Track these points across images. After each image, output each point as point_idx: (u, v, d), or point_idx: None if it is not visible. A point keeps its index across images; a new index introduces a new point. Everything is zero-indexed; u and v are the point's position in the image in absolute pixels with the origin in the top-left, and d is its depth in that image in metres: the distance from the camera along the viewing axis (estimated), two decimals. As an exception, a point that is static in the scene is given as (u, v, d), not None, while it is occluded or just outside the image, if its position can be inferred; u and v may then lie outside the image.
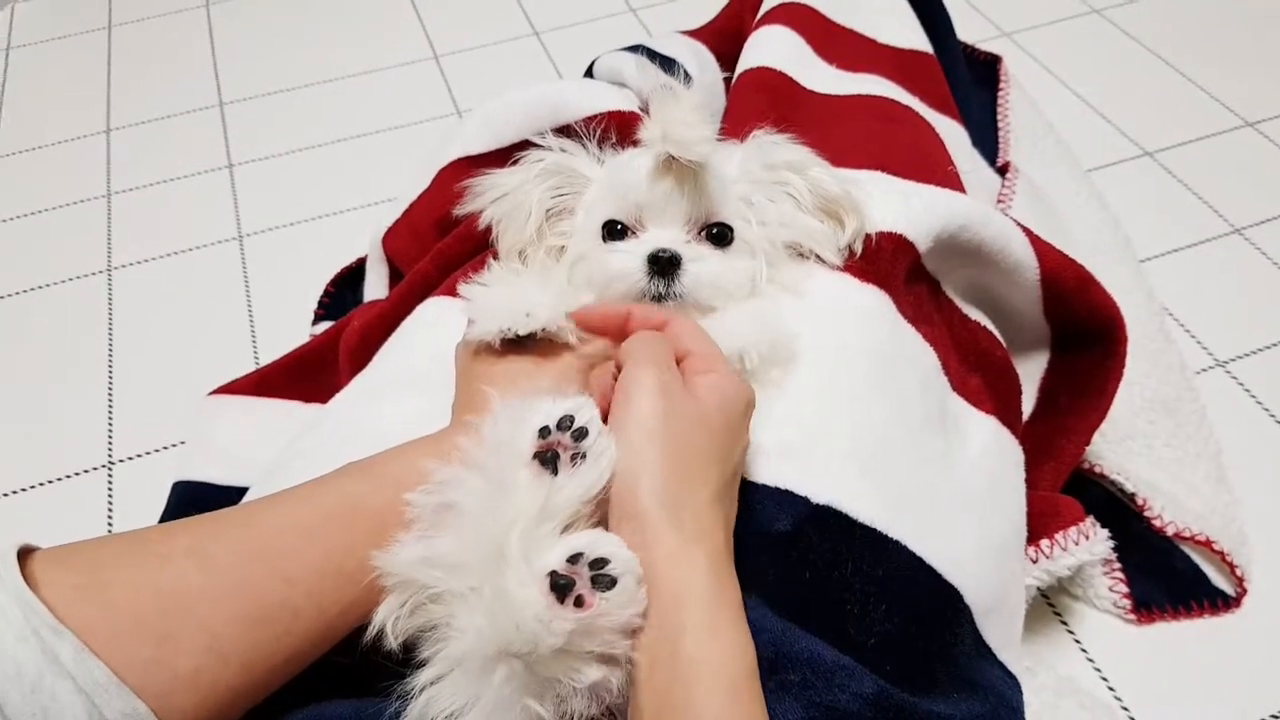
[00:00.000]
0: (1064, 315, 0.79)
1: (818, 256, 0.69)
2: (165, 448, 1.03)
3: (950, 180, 0.86)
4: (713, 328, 0.63)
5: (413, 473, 0.52)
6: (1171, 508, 0.86)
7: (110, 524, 0.96)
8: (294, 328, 1.13)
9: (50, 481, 1.00)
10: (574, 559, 0.46)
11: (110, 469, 1.02)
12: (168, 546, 0.48)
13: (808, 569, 0.57)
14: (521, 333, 0.58)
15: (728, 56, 1.12)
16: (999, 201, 1.12)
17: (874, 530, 0.58)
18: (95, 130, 1.44)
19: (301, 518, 0.52)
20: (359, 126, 1.42)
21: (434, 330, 0.76)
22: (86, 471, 1.01)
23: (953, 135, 1.04)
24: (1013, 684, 0.64)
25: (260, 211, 1.30)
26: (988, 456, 0.69)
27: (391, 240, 0.97)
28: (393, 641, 0.50)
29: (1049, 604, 0.85)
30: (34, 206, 1.32)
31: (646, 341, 0.57)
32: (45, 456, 1.03)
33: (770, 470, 0.60)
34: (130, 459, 1.02)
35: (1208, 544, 0.85)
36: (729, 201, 0.66)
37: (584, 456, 0.50)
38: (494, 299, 0.60)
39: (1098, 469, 0.88)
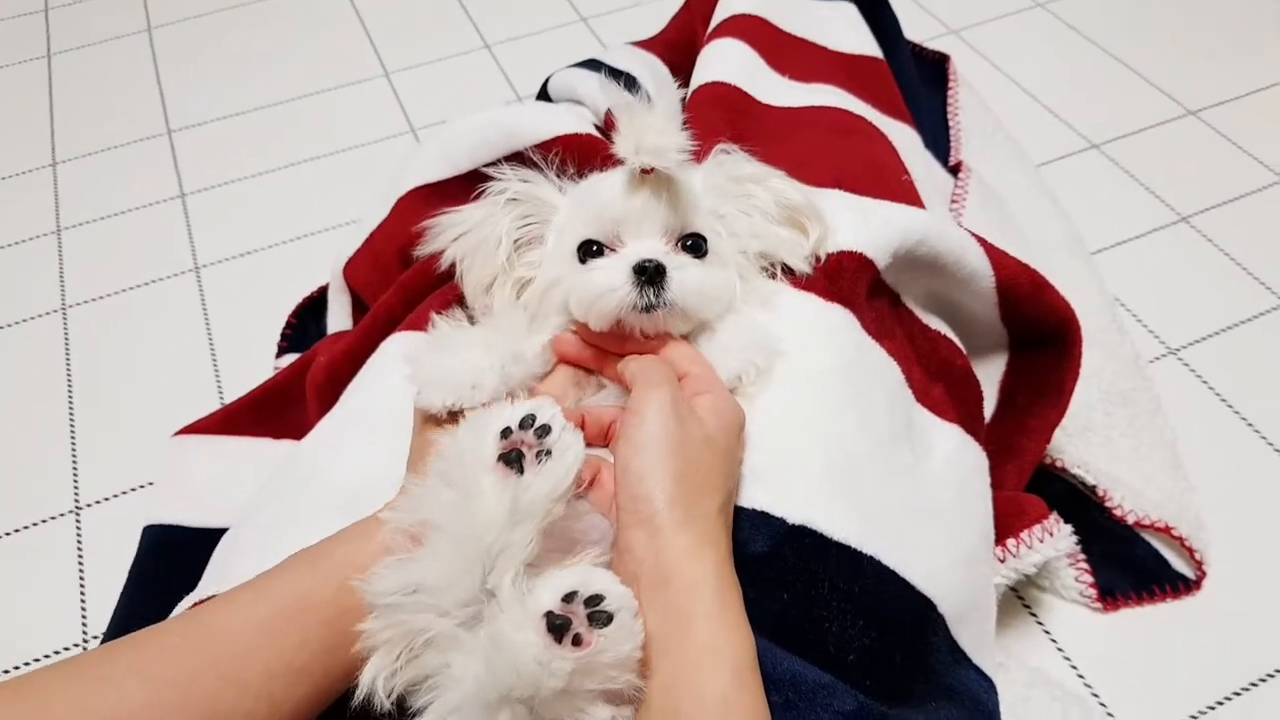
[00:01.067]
0: (1020, 319, 0.81)
1: (785, 267, 0.70)
2: (134, 489, 1.02)
3: (905, 190, 0.88)
4: (706, 347, 0.64)
5: (361, 557, 0.53)
6: (1131, 497, 0.89)
7: (82, 570, 0.95)
8: (258, 359, 1.12)
9: (17, 530, 0.99)
10: (569, 598, 0.47)
11: (78, 514, 1.00)
12: (110, 668, 0.49)
13: (785, 589, 0.58)
14: (467, 407, 0.58)
15: (680, 67, 1.14)
16: (953, 202, 1.14)
17: (849, 547, 0.60)
18: (41, 164, 1.42)
19: (249, 617, 0.52)
20: (312, 149, 1.41)
21: (400, 367, 0.76)
22: (54, 518, 1.00)
23: (905, 140, 1.05)
24: (988, 686, 0.66)
25: (216, 241, 1.28)
26: (953, 465, 0.71)
27: (353, 271, 0.97)
28: (384, 701, 0.50)
29: (1018, 597, 0.88)
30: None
31: (652, 364, 0.60)
32: (9, 504, 1.01)
33: (745, 493, 0.61)
34: (98, 503, 1.01)
35: (1167, 530, 0.87)
36: (700, 213, 0.67)
37: (549, 453, 0.51)
38: (440, 368, 0.60)
39: (1059, 463, 0.90)
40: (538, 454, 0.51)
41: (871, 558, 0.60)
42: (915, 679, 0.59)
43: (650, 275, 0.61)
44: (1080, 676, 0.83)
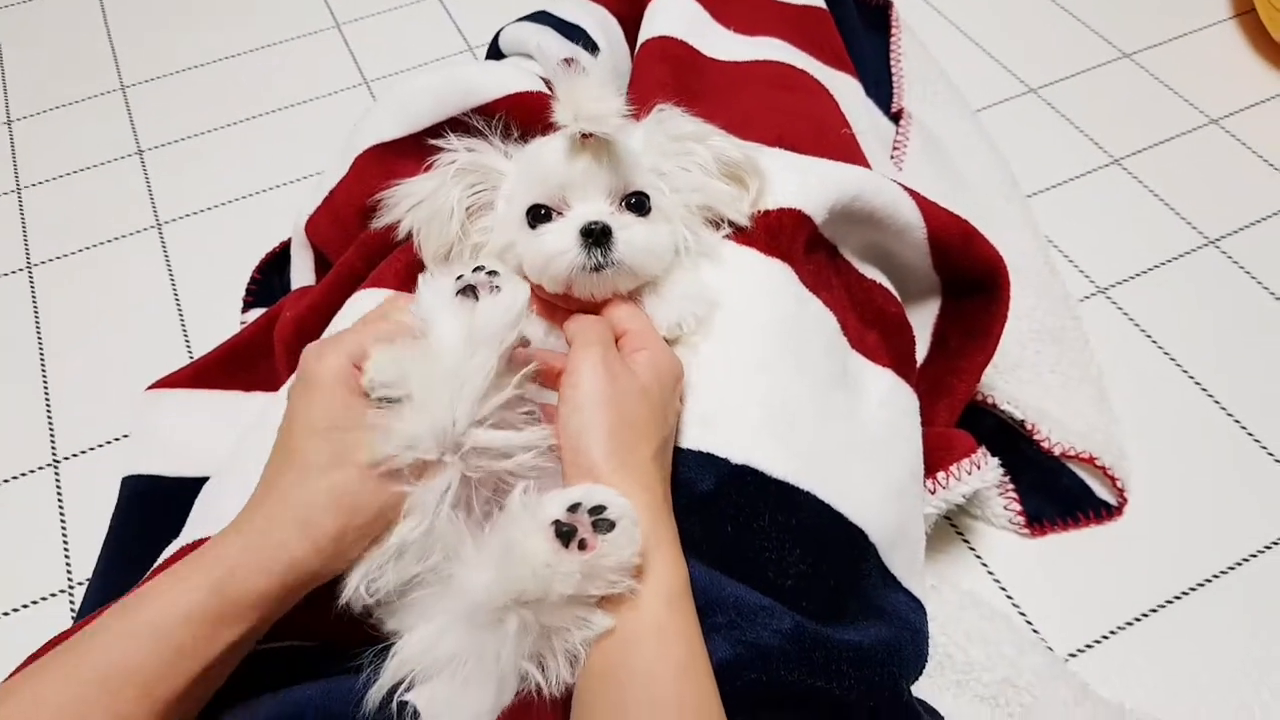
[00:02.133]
0: (951, 267, 0.86)
1: (727, 221, 0.74)
2: (110, 441, 1.05)
3: (845, 144, 0.92)
4: (647, 301, 0.69)
5: (158, 600, 0.52)
6: (1058, 430, 0.95)
7: (63, 520, 0.99)
8: (223, 313, 1.15)
9: (-4, 485, 1.02)
10: (574, 508, 0.53)
11: (56, 467, 1.04)
12: None
13: (729, 523, 0.64)
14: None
15: (630, 20, 1.16)
16: (894, 149, 1.19)
17: (786, 484, 0.65)
18: (-6, 121, 1.42)
19: (55, 708, 0.49)
20: (268, 102, 1.42)
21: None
22: (32, 472, 1.03)
23: (847, 91, 1.09)
24: (917, 607, 0.72)
25: (176, 198, 1.30)
26: (885, 407, 0.76)
27: (314, 228, 1.00)
28: (367, 598, 0.55)
29: (951, 525, 0.94)
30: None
31: (589, 324, 0.64)
32: (-13, 458, 1.04)
33: (693, 436, 0.66)
34: (76, 455, 1.04)
35: (1091, 460, 0.94)
36: (641, 172, 0.70)
37: (499, 289, 0.58)
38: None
39: (990, 400, 0.96)
40: (491, 289, 0.58)
41: (808, 493, 0.65)
42: (848, 601, 0.66)
43: (597, 237, 0.65)
44: (1009, 598, 0.89)
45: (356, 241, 0.89)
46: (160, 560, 0.71)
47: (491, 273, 0.59)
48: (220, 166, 1.34)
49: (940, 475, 0.83)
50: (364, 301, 0.81)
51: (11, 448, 1.05)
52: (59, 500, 1.01)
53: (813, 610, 0.62)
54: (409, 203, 0.72)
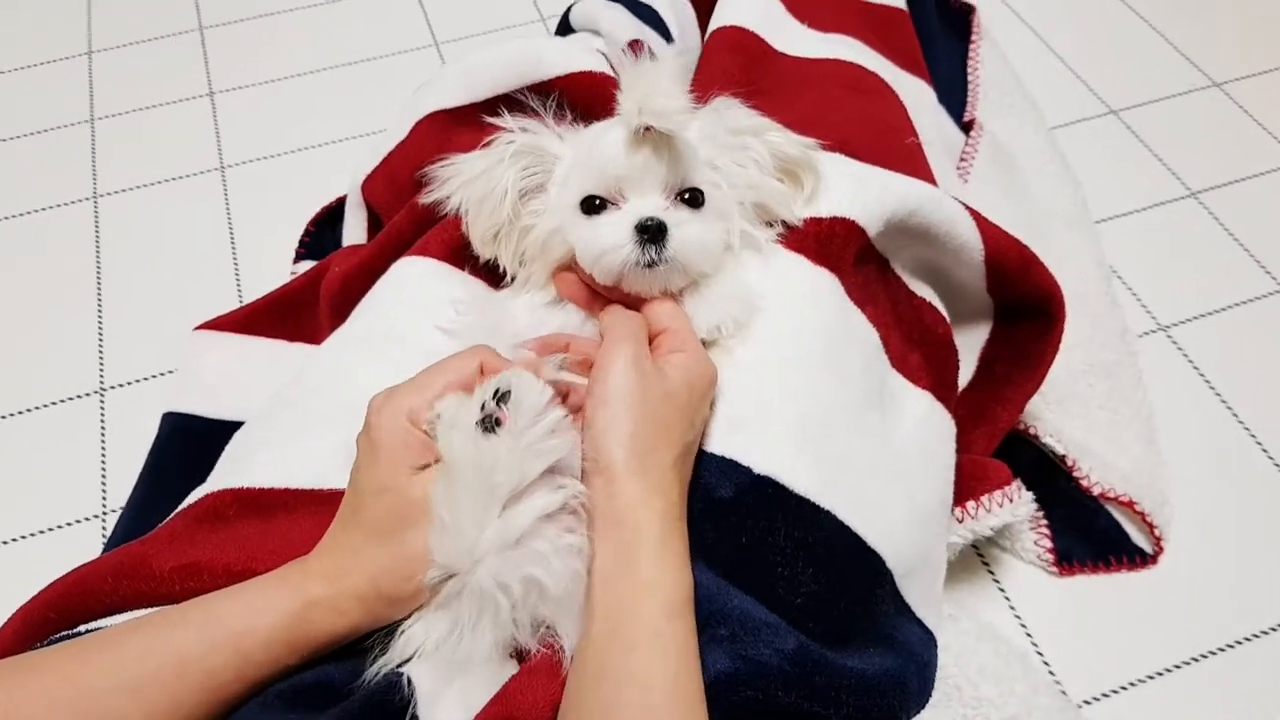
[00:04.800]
0: (1006, 291, 0.84)
1: (780, 220, 0.73)
2: (156, 375, 1.07)
3: (909, 153, 0.90)
4: (689, 300, 0.68)
5: (246, 616, 0.55)
6: (1100, 469, 0.93)
7: (104, 450, 1.01)
8: (276, 261, 1.16)
9: (43, 406, 1.05)
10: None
11: (102, 395, 1.06)
12: None
13: (744, 533, 0.63)
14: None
15: (704, 5, 1.14)
16: (961, 160, 1.16)
17: (808, 500, 0.64)
18: (77, 52, 1.44)
19: (130, 678, 0.52)
20: (339, 56, 1.43)
21: (407, 290, 0.80)
22: (79, 397, 1.06)
23: (918, 96, 1.07)
24: (927, 639, 0.71)
25: (241, 142, 1.32)
26: (921, 430, 0.75)
27: (370, 188, 1.00)
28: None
29: (978, 554, 0.92)
30: (18, 130, 1.34)
31: (623, 318, 0.64)
32: (37, 381, 1.07)
33: (718, 440, 0.65)
34: (122, 385, 1.07)
35: (1130, 505, 0.91)
36: (698, 166, 0.69)
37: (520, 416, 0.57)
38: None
39: (1032, 430, 0.94)
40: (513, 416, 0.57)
41: (828, 512, 0.64)
42: (857, 626, 0.64)
43: (652, 234, 0.64)
44: (1029, 635, 0.87)
45: (408, 205, 0.89)
46: (185, 504, 0.72)
47: (502, 397, 0.56)
48: (287, 116, 1.36)
49: (970, 505, 0.81)
50: (407, 270, 0.81)
51: (61, 372, 1.08)
52: (102, 428, 1.03)
53: (819, 632, 0.61)
54: (460, 180, 0.72)
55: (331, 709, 0.54)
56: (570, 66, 0.87)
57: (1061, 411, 0.97)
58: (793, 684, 0.57)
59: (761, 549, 0.63)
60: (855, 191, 0.75)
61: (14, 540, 0.94)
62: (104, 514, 0.96)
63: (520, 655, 0.59)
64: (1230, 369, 1.04)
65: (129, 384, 1.07)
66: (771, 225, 0.73)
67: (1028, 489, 0.86)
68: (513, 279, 0.75)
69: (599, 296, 0.70)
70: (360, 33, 1.47)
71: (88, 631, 0.62)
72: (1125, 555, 0.91)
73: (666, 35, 1.08)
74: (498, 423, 0.55)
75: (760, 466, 0.64)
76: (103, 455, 1.01)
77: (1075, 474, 0.93)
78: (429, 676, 0.56)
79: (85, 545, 0.93)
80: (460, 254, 0.78)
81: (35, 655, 0.55)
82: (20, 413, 1.04)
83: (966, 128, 1.20)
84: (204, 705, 0.53)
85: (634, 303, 0.68)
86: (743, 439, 0.65)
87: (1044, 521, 0.91)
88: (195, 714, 0.53)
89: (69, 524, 0.95)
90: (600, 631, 0.53)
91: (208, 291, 1.14)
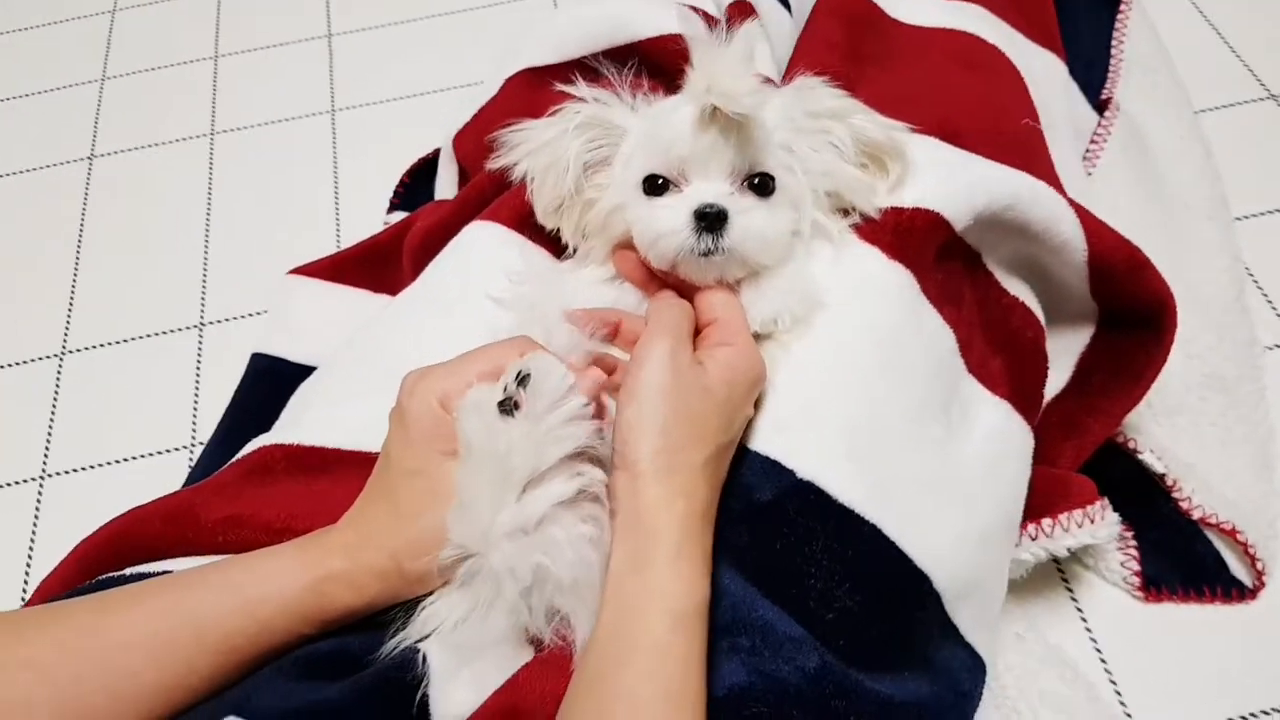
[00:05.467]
0: (1111, 296, 0.77)
1: (857, 210, 0.69)
2: (253, 314, 1.11)
3: (1020, 137, 0.83)
4: (745, 291, 0.65)
5: (264, 584, 0.55)
6: (1202, 491, 0.85)
7: (198, 384, 1.05)
8: (377, 208, 1.18)
9: (144, 336, 1.09)
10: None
11: (201, 330, 1.10)
12: (8, 654, 0.51)
13: (779, 540, 0.60)
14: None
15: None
16: (1091, 143, 1.08)
17: (851, 511, 0.61)
18: (207, -13, 1.48)
19: (148, 635, 0.53)
20: (456, 1, 1.42)
21: (473, 255, 0.79)
22: (179, 330, 1.10)
23: (1047, 72, 0.99)
24: (974, 666, 0.66)
25: (353, 86, 1.33)
26: (991, 442, 0.70)
27: (460, 143, 1.00)
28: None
29: (1058, 568, 0.86)
30: (144, 64, 1.39)
31: (667, 309, 0.61)
32: (141, 311, 1.12)
33: (763, 439, 0.62)
34: (220, 321, 1.11)
35: (1232, 532, 0.84)
36: (771, 150, 0.65)
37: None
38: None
39: (1131, 444, 0.87)
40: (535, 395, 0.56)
41: (873, 525, 0.61)
42: (892, 647, 0.61)
43: (711, 221, 0.62)
44: (1103, 661, 0.81)
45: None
46: (240, 454, 0.74)
47: (523, 380, 0.55)
48: (400, 61, 1.36)
49: (1045, 522, 0.75)
50: (477, 234, 0.80)
51: (165, 304, 1.12)
52: (198, 362, 1.07)
53: (848, 650, 0.58)
54: (527, 148, 0.70)
55: (344, 680, 0.55)
56: (660, 29, 0.84)
57: (1170, 425, 0.90)
58: (809, 705, 0.55)
59: (797, 558, 0.60)
60: (944, 181, 0.69)
61: (107, 464, 0.99)
62: (192, 445, 1.00)
63: (538, 644, 0.58)
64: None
65: (228, 320, 1.11)
66: (849, 213, 0.69)
67: (1123, 506, 0.80)
68: (575, 251, 0.73)
69: (656, 277, 0.67)
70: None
71: (134, 576, 0.64)
72: (1221, 586, 0.84)
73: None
74: (516, 406, 0.54)
75: (804, 471, 0.61)
76: (196, 389, 1.05)
77: (1174, 494, 0.85)
78: (444, 656, 0.56)
79: (172, 476, 0.97)
80: (527, 222, 0.77)
81: (59, 606, 0.56)
82: (123, 341, 1.09)
83: (1101, 107, 1.11)
84: (219, 668, 0.54)
85: (690, 288, 0.65)
86: (787, 440, 0.62)
87: (1133, 542, 0.84)
88: (210, 675, 0.54)
89: (159, 453, 1.00)
90: (603, 636, 0.52)
91: (309, 234, 1.17)
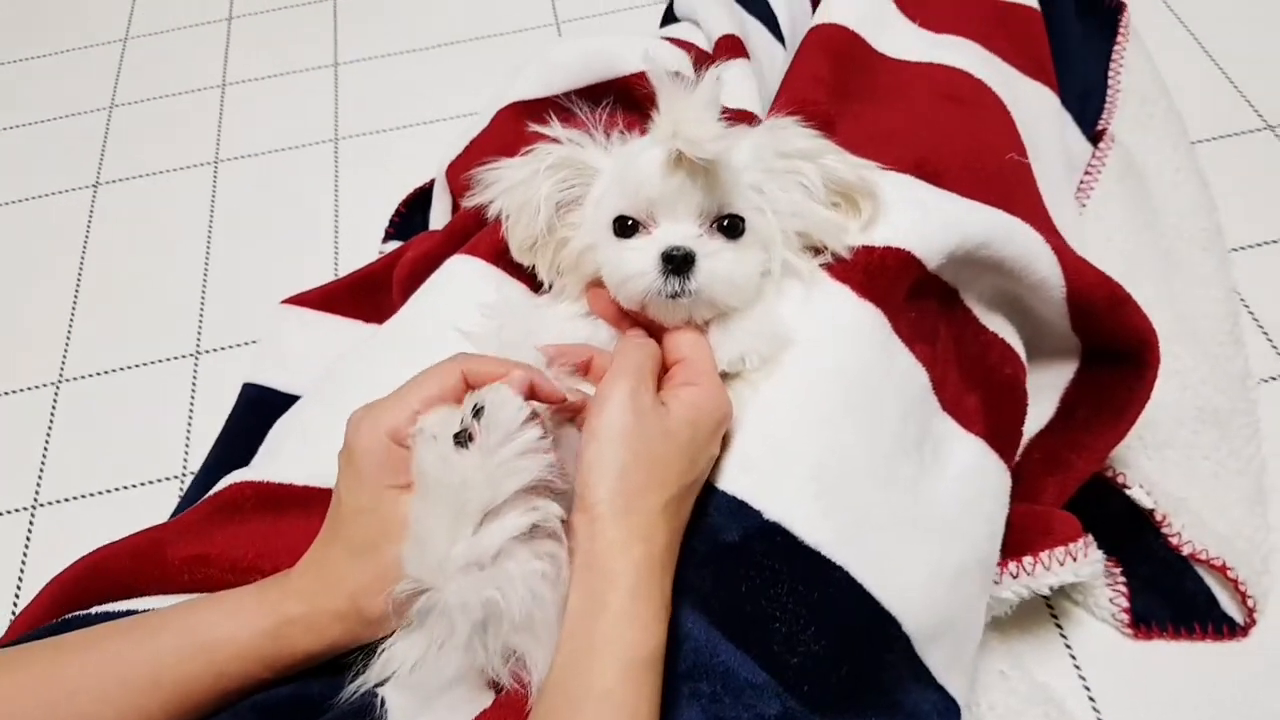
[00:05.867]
0: (1093, 332, 0.77)
1: (828, 250, 0.69)
2: (249, 343, 1.12)
3: (1004, 174, 0.83)
4: (713, 330, 0.65)
5: (222, 629, 0.55)
6: (1194, 527, 0.84)
7: (191, 413, 1.06)
8: (375, 237, 1.18)
9: (140, 365, 1.10)
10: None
11: (197, 359, 1.11)
12: None
13: (745, 583, 0.60)
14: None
15: (818, -5, 1.08)
16: (1085, 174, 1.07)
17: (818, 554, 0.60)
18: (218, 18, 1.50)
19: (103, 680, 0.53)
20: (461, 31, 1.43)
21: (451, 289, 0.79)
22: (175, 359, 1.11)
23: (1037, 105, 0.99)
24: (946, 709, 0.65)
25: (358, 114, 1.34)
26: (964, 482, 0.69)
27: (454, 173, 1.01)
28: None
29: (1047, 604, 0.85)
30: (153, 92, 1.41)
31: (630, 350, 0.61)
32: (138, 338, 1.13)
33: (729, 478, 0.62)
34: (215, 350, 1.12)
35: (1223, 569, 0.82)
36: (741, 191, 0.65)
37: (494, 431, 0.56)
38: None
39: (1120, 478, 0.86)
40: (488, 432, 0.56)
41: (840, 567, 0.60)
42: (859, 692, 0.60)
43: (678, 264, 0.62)
44: (1091, 700, 0.80)
45: (475, 199, 0.88)
46: (212, 490, 0.75)
47: (479, 412, 0.55)
48: (405, 90, 1.37)
49: (1026, 560, 0.75)
50: (457, 267, 0.81)
51: (162, 333, 1.13)
52: (192, 391, 1.08)
53: (812, 695, 0.58)
54: (500, 187, 0.71)
55: None
56: (641, 65, 0.84)
57: (1160, 459, 0.89)
58: (768, 752, 0.54)
59: (762, 601, 0.59)
60: (917, 221, 0.69)
61: (96, 494, 1.00)
62: (184, 475, 1.01)
63: (498, 687, 0.58)
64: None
65: (224, 349, 1.12)
66: (820, 252, 0.69)
67: (1113, 542, 0.80)
68: (550, 287, 0.73)
69: (628, 315, 0.68)
70: (484, 9, 1.46)
71: (100, 615, 0.65)
72: (1212, 623, 0.82)
73: (776, 28, 1.03)
74: (470, 438, 0.54)
75: (771, 511, 0.61)
76: (189, 418, 1.06)
77: (1164, 530, 0.84)
78: (403, 700, 0.56)
79: (163, 506, 0.97)
80: (505, 257, 0.77)
81: (18, 651, 0.56)
82: (118, 370, 1.10)
83: (1097, 138, 1.10)
84: (176, 713, 0.54)
85: (659, 327, 0.65)
86: (755, 480, 0.62)
87: (1122, 579, 0.83)
88: None
89: (150, 482, 1.00)
90: (555, 681, 0.51)
91: (307, 262, 1.18)
